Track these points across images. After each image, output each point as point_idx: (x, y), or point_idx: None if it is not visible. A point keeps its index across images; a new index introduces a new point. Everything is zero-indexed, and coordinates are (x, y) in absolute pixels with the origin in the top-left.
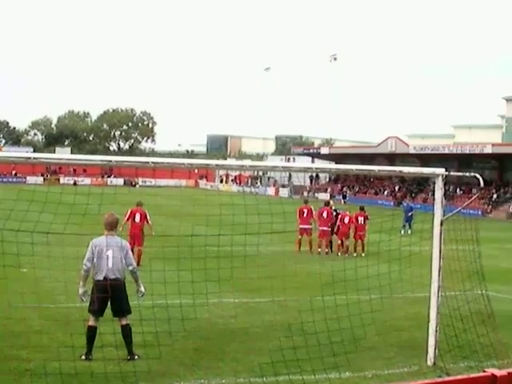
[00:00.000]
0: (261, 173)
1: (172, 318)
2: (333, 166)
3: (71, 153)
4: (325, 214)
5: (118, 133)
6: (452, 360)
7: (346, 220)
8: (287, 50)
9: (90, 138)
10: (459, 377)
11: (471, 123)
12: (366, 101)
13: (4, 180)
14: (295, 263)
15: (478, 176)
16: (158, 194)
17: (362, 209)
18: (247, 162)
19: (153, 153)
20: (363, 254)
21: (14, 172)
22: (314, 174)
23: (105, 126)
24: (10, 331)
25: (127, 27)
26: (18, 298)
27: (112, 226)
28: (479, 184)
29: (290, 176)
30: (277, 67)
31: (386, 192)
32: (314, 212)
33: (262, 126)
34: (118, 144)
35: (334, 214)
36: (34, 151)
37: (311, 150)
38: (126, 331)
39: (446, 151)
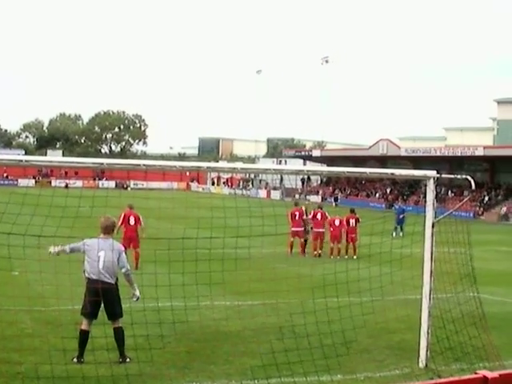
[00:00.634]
0: (252, 175)
1: (163, 320)
2: (324, 168)
3: (63, 155)
4: (319, 216)
5: (110, 135)
6: (444, 362)
7: (337, 223)
8: (279, 52)
9: (82, 141)
10: (451, 379)
11: (463, 126)
12: (357, 103)
13: None
14: (287, 266)
15: (469, 178)
16: (149, 196)
17: (352, 211)
18: (239, 165)
19: (144, 155)
20: (355, 257)
21: (5, 175)
22: (306, 177)
23: (96, 128)
24: (1, 334)
25: (119, 30)
26: (10, 300)
27: (108, 230)
28: (471, 186)
29: (281, 178)
30: (268, 70)
31: (377, 194)
32: (305, 214)
33: (254, 129)
34: (110, 146)
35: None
36: (26, 154)
37: (303, 153)
38: (119, 334)
39: (438, 154)
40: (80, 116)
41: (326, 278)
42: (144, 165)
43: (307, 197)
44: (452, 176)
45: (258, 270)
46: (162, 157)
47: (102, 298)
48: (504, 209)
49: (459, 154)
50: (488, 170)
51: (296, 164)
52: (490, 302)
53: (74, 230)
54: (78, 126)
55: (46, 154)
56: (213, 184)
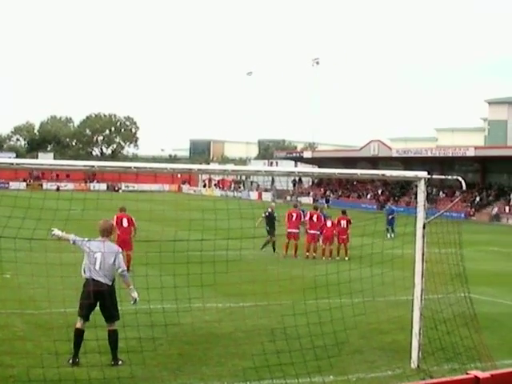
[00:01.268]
0: (244, 177)
1: (155, 323)
2: (315, 169)
3: (54, 158)
4: (315, 218)
5: (101, 138)
6: (435, 362)
7: (329, 224)
8: (269, 54)
9: (73, 144)
10: (442, 379)
11: (454, 126)
12: (348, 104)
13: None
14: (278, 267)
15: (460, 179)
16: (140, 198)
17: (343, 212)
18: (230, 167)
19: (136, 158)
20: (346, 258)
21: None
22: (297, 178)
23: (87, 131)
24: None
25: (111, 33)
26: (1, 304)
27: (106, 232)
28: (462, 187)
29: (272, 180)
30: (259, 71)
31: (368, 195)
32: (303, 216)
33: (245, 131)
34: (101, 149)
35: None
36: (17, 157)
37: (294, 154)
38: (113, 337)
39: (429, 154)
40: (71, 119)
41: (317, 280)
42: (135, 167)
43: (298, 198)
44: (443, 177)
45: (249, 271)
46: (154, 159)
47: (99, 299)
48: (495, 209)
49: (450, 155)
50: (479, 170)
51: (287, 166)
52: (481, 302)
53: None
54: (69, 129)
55: (37, 157)
56: (204, 186)
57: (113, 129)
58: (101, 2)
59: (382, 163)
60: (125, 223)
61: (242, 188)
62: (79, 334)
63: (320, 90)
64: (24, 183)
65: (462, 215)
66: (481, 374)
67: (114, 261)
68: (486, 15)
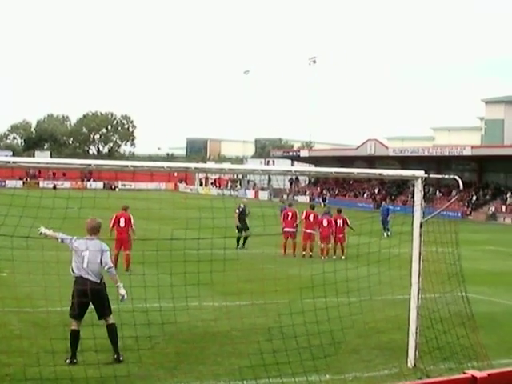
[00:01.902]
0: (240, 176)
1: (152, 321)
2: (312, 168)
3: (51, 156)
4: (311, 218)
5: (98, 136)
6: (432, 362)
7: (325, 223)
8: (266, 52)
9: (70, 142)
10: (439, 378)
11: (450, 125)
12: (345, 103)
13: None
14: (275, 266)
15: (457, 178)
16: (137, 197)
17: (339, 211)
18: (227, 165)
19: (132, 156)
20: (343, 257)
21: None
22: (294, 177)
23: (84, 129)
24: None
25: (108, 31)
26: None
27: (94, 231)
28: (459, 186)
29: (269, 179)
30: (256, 70)
31: (365, 194)
32: (298, 215)
33: (242, 129)
34: (98, 148)
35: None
36: (13, 155)
37: (291, 153)
38: (112, 331)
39: (426, 153)
40: (68, 117)
41: (314, 279)
42: (132, 166)
43: (295, 197)
44: (440, 176)
45: (246, 270)
46: (150, 158)
47: (90, 297)
48: (492, 208)
49: (447, 154)
50: (476, 169)
51: (284, 164)
52: (478, 301)
53: (63, 231)
54: (65, 127)
55: (33, 156)
56: (201, 185)
57: (110, 127)
58: (99, 0)
59: (379, 162)
60: (122, 223)
61: (239, 187)
62: (75, 335)
63: (317, 89)
64: (21, 181)
65: (459, 214)
66: (478, 374)
67: (101, 258)
68: (482, 15)
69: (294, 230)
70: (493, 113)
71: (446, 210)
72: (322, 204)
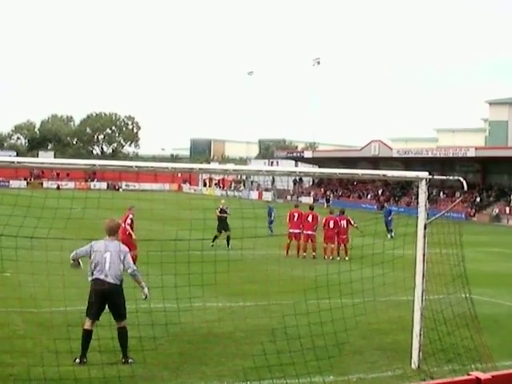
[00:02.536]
0: (244, 177)
1: (156, 322)
2: (316, 169)
3: (54, 157)
4: (310, 218)
5: (102, 137)
6: (436, 363)
7: (331, 224)
8: (270, 53)
9: (74, 142)
10: (443, 380)
11: (454, 127)
12: (349, 104)
13: None
14: (279, 267)
15: (461, 179)
16: (141, 198)
17: (342, 212)
18: (230, 166)
19: (136, 157)
20: (347, 258)
21: None
22: (298, 178)
23: (88, 130)
24: None
25: (112, 32)
26: (1, 302)
27: (112, 231)
28: (463, 187)
29: (273, 180)
30: (260, 71)
31: (369, 195)
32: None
33: (246, 130)
34: (102, 148)
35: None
36: (17, 155)
37: (294, 154)
38: (123, 334)
39: (430, 155)
40: (72, 117)
41: (318, 280)
42: (136, 166)
43: (299, 198)
44: (444, 177)
45: (250, 271)
46: (154, 158)
47: (108, 299)
48: (496, 210)
49: (451, 155)
50: (480, 171)
51: (288, 165)
52: (482, 302)
53: (66, 232)
54: (69, 128)
55: (37, 156)
56: (205, 185)
57: (114, 128)
58: (102, 1)
59: (383, 163)
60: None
61: (243, 187)
62: (88, 335)
63: (321, 90)
64: (24, 182)
65: (463, 216)
66: (482, 375)
67: (123, 261)
68: (486, 15)
69: (299, 231)
70: (497, 114)
71: (449, 212)
72: (326, 205)
